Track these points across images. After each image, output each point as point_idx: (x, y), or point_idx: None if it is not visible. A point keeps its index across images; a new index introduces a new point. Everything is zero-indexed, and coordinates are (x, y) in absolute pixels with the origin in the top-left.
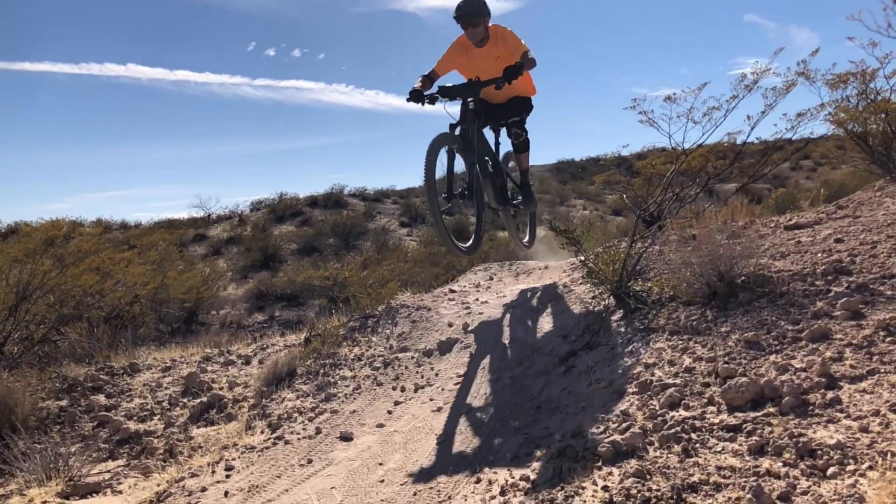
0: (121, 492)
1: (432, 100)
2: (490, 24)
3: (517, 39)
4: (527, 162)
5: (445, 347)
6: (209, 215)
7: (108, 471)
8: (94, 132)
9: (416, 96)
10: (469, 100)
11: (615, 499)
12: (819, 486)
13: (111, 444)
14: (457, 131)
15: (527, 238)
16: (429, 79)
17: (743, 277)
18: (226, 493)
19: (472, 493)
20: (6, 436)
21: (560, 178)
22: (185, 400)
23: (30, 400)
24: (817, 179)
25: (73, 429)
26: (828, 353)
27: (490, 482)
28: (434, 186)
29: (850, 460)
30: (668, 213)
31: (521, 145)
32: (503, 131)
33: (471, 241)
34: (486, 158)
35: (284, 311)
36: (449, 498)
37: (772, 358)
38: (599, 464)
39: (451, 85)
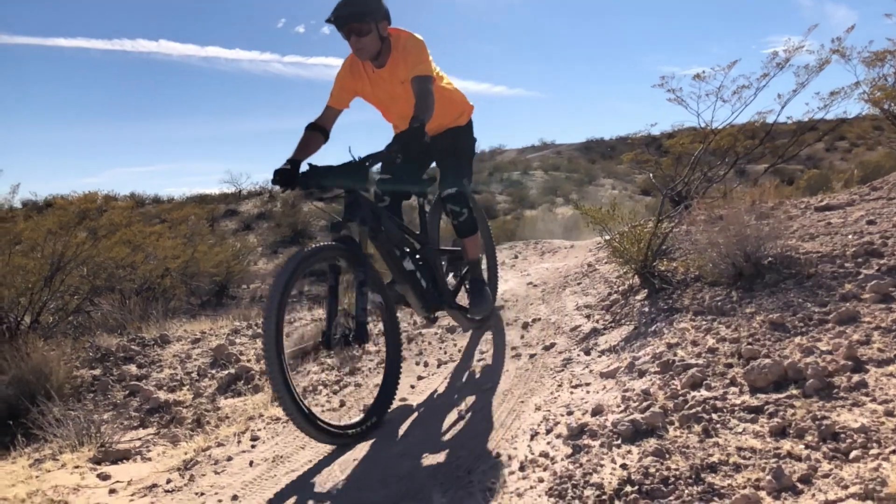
0: (150, 459)
1: (305, 186)
2: (391, 29)
3: (422, 54)
4: (476, 249)
5: None
6: (240, 191)
7: (139, 438)
8: (127, 108)
9: (283, 179)
10: (354, 190)
11: (633, 477)
12: (841, 470)
13: (142, 412)
14: (352, 228)
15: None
16: (318, 128)
17: (770, 258)
18: (251, 463)
19: (492, 468)
20: (41, 403)
21: (589, 157)
22: (213, 371)
23: (64, 368)
24: (852, 160)
25: (106, 397)
26: (855, 336)
27: (510, 458)
28: (277, 336)
29: (874, 444)
30: (696, 193)
31: (464, 227)
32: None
33: (360, 418)
34: (402, 251)
35: (313, 286)
36: (469, 472)
37: (797, 340)
38: (619, 442)
39: (324, 167)
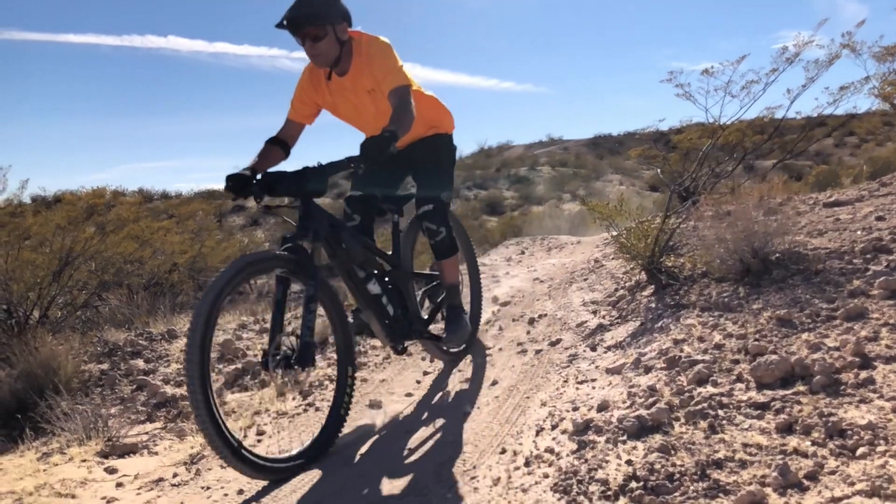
0: (157, 453)
1: (258, 197)
2: (352, 31)
3: (392, 60)
4: (454, 273)
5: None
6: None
7: (146, 433)
8: (136, 104)
9: (236, 185)
10: (309, 200)
11: (639, 473)
12: (847, 466)
13: (149, 407)
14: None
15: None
16: (278, 142)
17: (778, 254)
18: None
19: (497, 463)
20: (49, 397)
21: (597, 152)
22: (220, 366)
23: (72, 363)
24: (861, 156)
25: (113, 391)
26: (863, 333)
27: (515, 453)
28: (202, 357)
29: (881, 441)
30: (704, 189)
31: (442, 248)
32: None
33: (300, 449)
34: (367, 273)
35: None
36: (474, 467)
37: (804, 336)
38: (624, 438)
39: (277, 172)
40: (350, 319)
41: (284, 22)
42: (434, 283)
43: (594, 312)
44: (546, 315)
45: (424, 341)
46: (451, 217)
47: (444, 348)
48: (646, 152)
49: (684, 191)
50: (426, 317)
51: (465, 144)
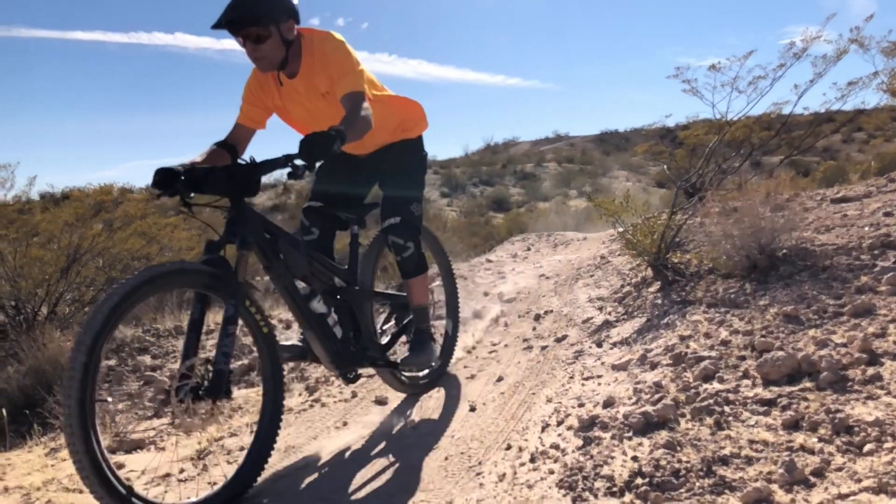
0: (164, 448)
1: (183, 194)
2: (301, 29)
3: (346, 59)
4: (422, 294)
5: (480, 316)
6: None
7: (153, 428)
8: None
9: (163, 180)
10: (240, 201)
11: (644, 469)
12: (854, 463)
13: (156, 402)
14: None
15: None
16: (226, 146)
17: (784, 251)
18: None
19: (503, 459)
20: (57, 392)
21: (603, 149)
22: None
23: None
24: (869, 152)
25: (121, 387)
26: (870, 329)
27: (520, 449)
28: (82, 401)
29: (889, 438)
30: (711, 185)
31: (408, 265)
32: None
33: (206, 494)
34: (312, 289)
35: None
36: (479, 463)
37: (811, 332)
38: (630, 434)
39: (205, 168)
40: (296, 342)
41: (222, 22)
42: (401, 304)
43: (600, 309)
44: (552, 311)
45: (380, 369)
46: (424, 231)
47: (402, 377)
48: (652, 148)
49: (691, 187)
50: (385, 341)
51: (472, 141)
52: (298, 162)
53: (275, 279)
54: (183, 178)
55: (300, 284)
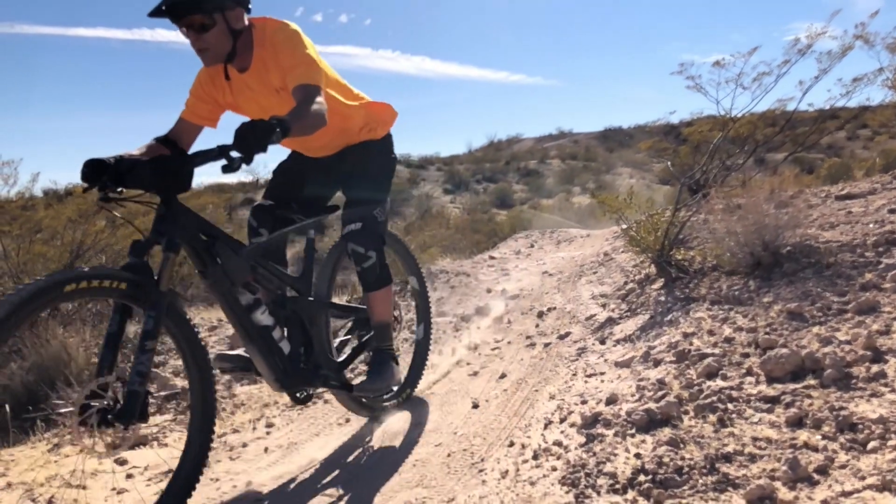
0: (167, 444)
1: (109, 188)
2: (253, 18)
3: (300, 51)
4: (385, 309)
5: (483, 313)
6: (257, 180)
7: (156, 424)
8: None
9: (91, 172)
10: (170, 197)
11: (647, 466)
12: (858, 461)
13: (159, 399)
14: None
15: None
16: (167, 141)
17: (789, 247)
18: (265, 450)
19: (506, 456)
20: (60, 389)
21: (607, 145)
22: None
23: (83, 355)
24: (874, 149)
25: (124, 384)
26: (875, 326)
27: (523, 446)
28: None
29: (893, 435)
30: (714, 182)
31: (369, 276)
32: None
33: None
34: (256, 298)
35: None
36: (482, 460)
37: (815, 330)
38: (633, 431)
39: (132, 160)
40: (242, 353)
41: (162, 7)
42: (362, 318)
43: (603, 306)
44: (555, 308)
45: (334, 390)
46: (392, 239)
47: (361, 399)
48: (656, 145)
49: (695, 184)
50: (342, 359)
51: (475, 138)
52: (234, 154)
53: (211, 286)
54: (110, 171)
55: (248, 293)
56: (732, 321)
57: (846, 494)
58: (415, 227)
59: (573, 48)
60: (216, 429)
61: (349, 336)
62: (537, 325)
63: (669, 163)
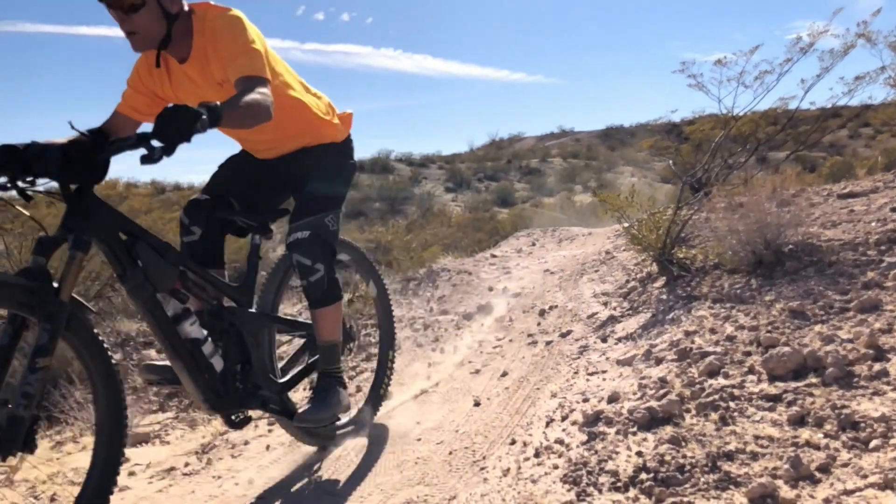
0: (168, 442)
1: (13, 176)
2: (195, 4)
3: (243, 40)
4: (332, 328)
5: (485, 311)
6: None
7: (158, 422)
8: None
9: (3, 160)
10: (81, 187)
11: (649, 464)
12: (860, 459)
13: (161, 396)
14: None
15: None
16: (100, 134)
17: (790, 246)
18: (267, 447)
19: (507, 454)
20: (63, 386)
21: (608, 144)
22: None
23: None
24: (876, 147)
25: (126, 382)
26: (877, 325)
27: (525, 444)
28: None
29: (895, 433)
30: (716, 180)
31: (316, 291)
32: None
33: None
34: (181, 308)
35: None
36: (483, 458)
37: (817, 328)
38: (634, 429)
39: (41, 145)
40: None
41: None
42: (313, 336)
43: (605, 304)
44: (557, 306)
45: (275, 415)
46: (349, 249)
47: (300, 426)
48: (658, 143)
49: (696, 182)
50: (286, 379)
51: (477, 136)
52: (154, 143)
53: (130, 292)
54: (19, 156)
55: (175, 302)
56: (734, 319)
57: (848, 493)
58: (416, 226)
59: (574, 47)
60: (215, 428)
61: (300, 354)
62: (539, 324)
63: (671, 161)
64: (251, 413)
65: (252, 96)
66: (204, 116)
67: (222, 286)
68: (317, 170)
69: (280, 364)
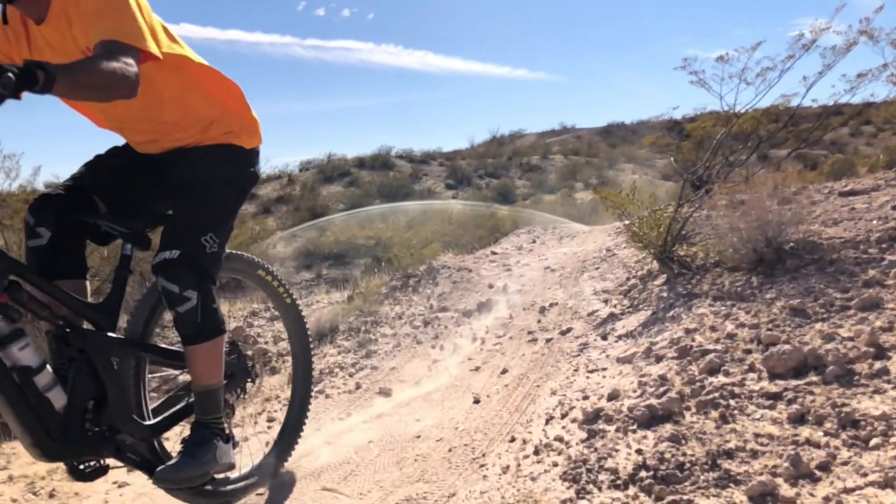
0: (168, 439)
1: None
2: None
3: (112, 2)
4: (210, 370)
5: (485, 308)
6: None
7: (261, 384)
8: None
9: None
10: None
11: (648, 462)
12: (860, 457)
13: (160, 393)
14: None
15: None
16: None
17: (791, 244)
18: (267, 444)
19: (507, 451)
20: None
21: (609, 141)
22: None
23: None
24: (878, 145)
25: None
26: (878, 323)
27: (524, 442)
28: None
29: (895, 432)
30: (717, 178)
31: (186, 324)
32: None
33: None
34: (8, 329)
35: (331, 269)
36: (483, 455)
37: (818, 326)
38: (634, 427)
39: None
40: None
41: None
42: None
43: (605, 301)
44: (557, 304)
45: (137, 468)
46: (250, 270)
47: (159, 485)
48: (659, 141)
49: (697, 179)
50: (154, 422)
51: (477, 133)
52: None
53: None
54: None
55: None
56: (735, 317)
57: (848, 491)
58: (416, 223)
59: (576, 43)
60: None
61: (181, 393)
62: (539, 321)
63: (672, 158)
64: (109, 461)
65: (108, 63)
66: (10, 74)
67: (74, 303)
68: (202, 173)
69: (154, 404)
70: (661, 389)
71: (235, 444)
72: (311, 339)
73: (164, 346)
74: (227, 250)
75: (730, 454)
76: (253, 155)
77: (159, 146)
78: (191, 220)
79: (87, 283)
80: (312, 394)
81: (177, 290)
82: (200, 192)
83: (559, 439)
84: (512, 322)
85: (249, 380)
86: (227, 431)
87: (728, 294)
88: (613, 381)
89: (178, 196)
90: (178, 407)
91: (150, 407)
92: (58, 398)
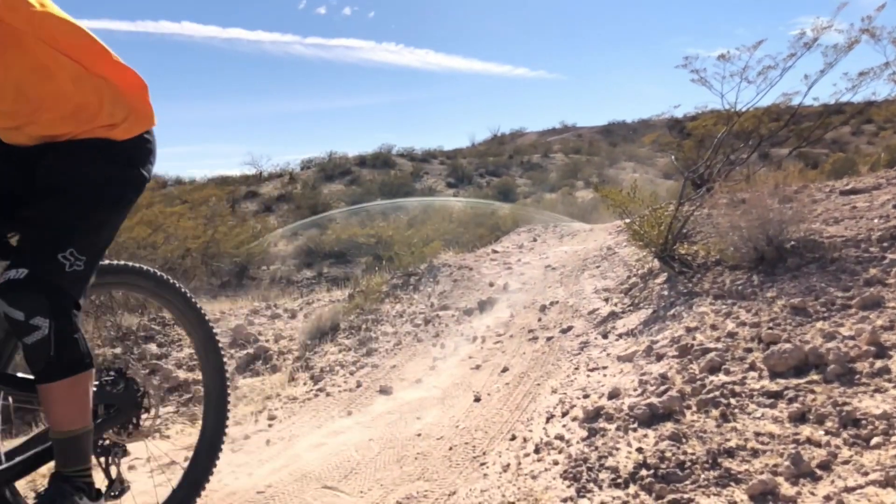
0: (168, 437)
1: None
2: None
3: None
4: (67, 412)
5: (486, 307)
6: (261, 173)
7: (158, 416)
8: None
9: None
10: None
11: (649, 461)
12: (861, 456)
13: (161, 391)
14: None
15: None
16: None
17: (793, 242)
18: (267, 442)
19: (507, 449)
20: None
21: (610, 140)
22: (232, 351)
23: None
24: (879, 144)
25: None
26: (879, 322)
27: (525, 440)
28: None
29: None
30: (718, 176)
31: (35, 358)
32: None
33: None
34: None
35: (332, 267)
36: (484, 454)
37: (818, 325)
38: (635, 425)
39: None
40: None
41: None
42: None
43: (606, 300)
44: (558, 302)
45: None
46: (161, 290)
47: None
48: (660, 139)
49: (698, 178)
50: (7, 466)
51: (479, 131)
52: None
53: None
54: None
55: None
56: (735, 316)
57: (849, 490)
58: (417, 221)
59: (577, 42)
60: None
61: (44, 434)
62: (540, 319)
63: (673, 157)
64: None
65: None
66: None
67: None
68: (68, 177)
69: (8, 445)
70: (662, 388)
71: (117, 496)
72: (226, 371)
73: (24, 376)
74: (122, 262)
75: (730, 453)
76: (137, 150)
77: (26, 135)
78: (47, 232)
79: None
80: (232, 426)
81: (21, 318)
82: (63, 198)
83: (560, 438)
84: (513, 320)
85: (143, 410)
86: (94, 486)
87: (729, 292)
88: (614, 379)
89: (38, 202)
90: (39, 448)
91: (4, 450)
92: None
